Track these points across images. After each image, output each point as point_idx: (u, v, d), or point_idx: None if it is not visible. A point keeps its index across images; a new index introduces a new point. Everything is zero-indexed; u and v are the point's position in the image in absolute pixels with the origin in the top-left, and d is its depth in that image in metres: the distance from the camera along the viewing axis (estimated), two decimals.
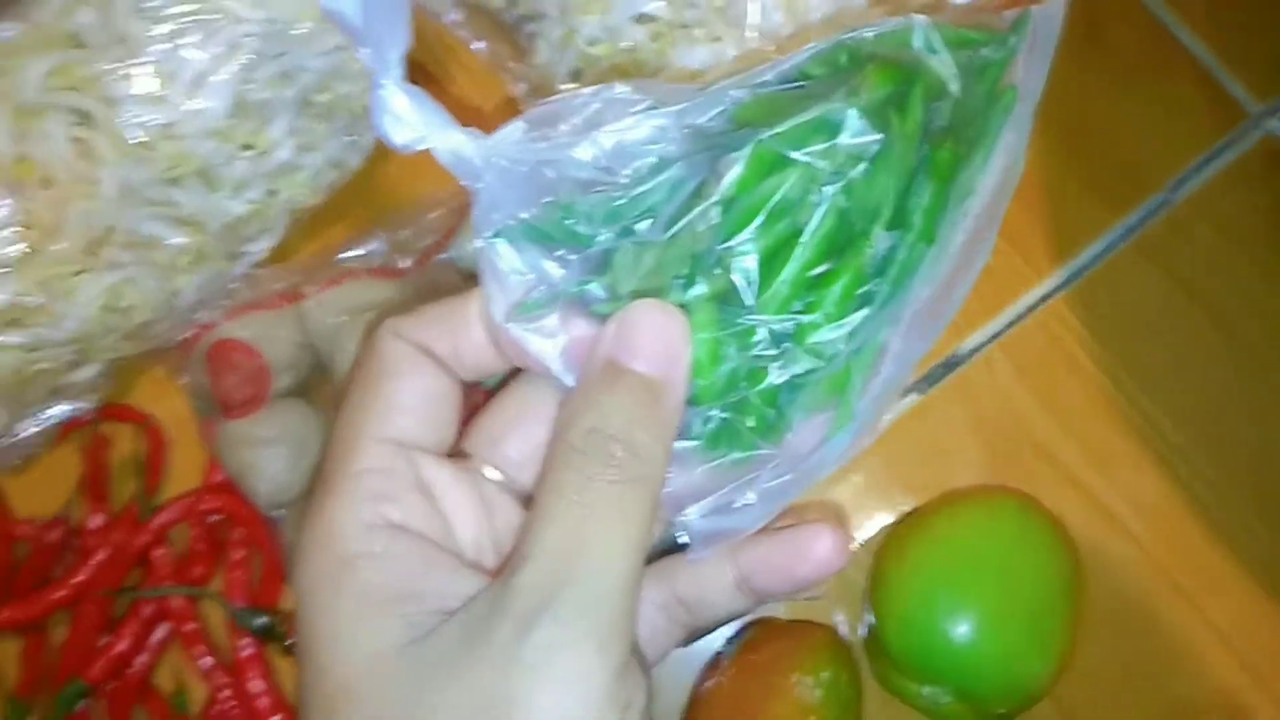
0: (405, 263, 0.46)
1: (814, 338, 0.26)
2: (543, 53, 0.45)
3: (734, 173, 0.25)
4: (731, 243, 0.25)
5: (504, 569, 0.24)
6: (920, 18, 0.27)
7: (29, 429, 0.45)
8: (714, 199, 0.25)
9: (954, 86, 0.27)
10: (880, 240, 0.26)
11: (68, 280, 0.40)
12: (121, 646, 0.43)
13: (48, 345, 0.41)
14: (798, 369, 0.26)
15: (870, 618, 0.41)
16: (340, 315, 0.44)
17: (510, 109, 0.49)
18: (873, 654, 0.41)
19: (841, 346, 0.26)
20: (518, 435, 0.28)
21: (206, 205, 0.42)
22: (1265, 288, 0.47)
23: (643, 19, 0.42)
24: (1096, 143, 0.49)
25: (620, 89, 0.26)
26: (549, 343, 0.26)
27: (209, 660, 0.43)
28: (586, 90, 0.26)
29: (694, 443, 0.26)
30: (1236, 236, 0.48)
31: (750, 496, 0.26)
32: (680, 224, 0.25)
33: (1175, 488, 0.45)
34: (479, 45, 0.48)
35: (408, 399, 0.27)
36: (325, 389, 0.45)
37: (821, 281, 0.25)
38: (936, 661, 0.38)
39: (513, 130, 0.25)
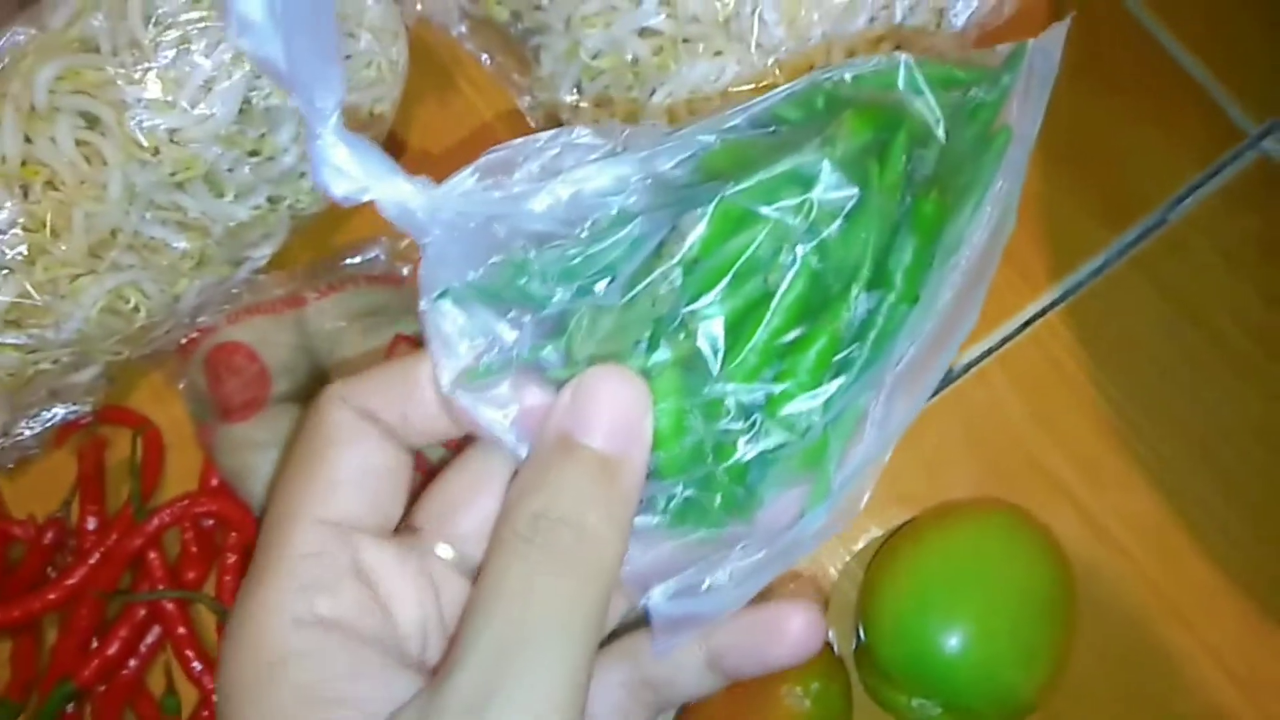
0: (405, 270, 0.46)
1: (786, 409, 0.24)
2: (547, 65, 0.46)
3: (698, 231, 0.23)
4: (695, 306, 0.23)
5: (439, 671, 0.22)
6: (904, 55, 0.25)
7: (27, 430, 0.45)
8: (676, 259, 0.23)
9: (940, 131, 0.25)
10: (859, 302, 0.24)
11: (70, 282, 0.41)
12: (113, 649, 0.43)
13: (48, 347, 0.42)
14: (768, 443, 0.24)
15: (861, 630, 0.41)
16: (340, 321, 0.44)
17: (516, 119, 0.49)
18: (863, 666, 0.41)
19: (816, 418, 0.24)
20: (470, 509, 0.26)
21: (211, 210, 0.42)
22: (1260, 306, 0.47)
23: (646, 33, 0.43)
24: (1094, 161, 0.49)
25: (581, 133, 0.24)
26: (500, 413, 0.24)
27: (199, 665, 0.43)
28: (545, 134, 0.24)
29: (658, 519, 0.25)
30: (1232, 256, 0.48)
31: (720, 577, 0.24)
32: (640, 286, 0.23)
33: (1167, 504, 0.45)
34: (485, 58, 0.48)
35: (348, 474, 0.25)
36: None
37: (794, 348, 0.24)
38: (926, 673, 0.38)
39: (463, 179, 0.23)
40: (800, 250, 0.23)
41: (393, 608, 0.25)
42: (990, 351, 0.47)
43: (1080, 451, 0.46)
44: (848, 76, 0.25)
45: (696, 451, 0.24)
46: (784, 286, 0.23)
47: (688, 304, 0.23)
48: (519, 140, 0.24)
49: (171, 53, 0.39)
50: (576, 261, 0.24)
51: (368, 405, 0.25)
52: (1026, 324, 0.48)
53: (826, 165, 0.23)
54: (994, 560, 0.40)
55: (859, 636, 0.41)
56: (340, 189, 0.23)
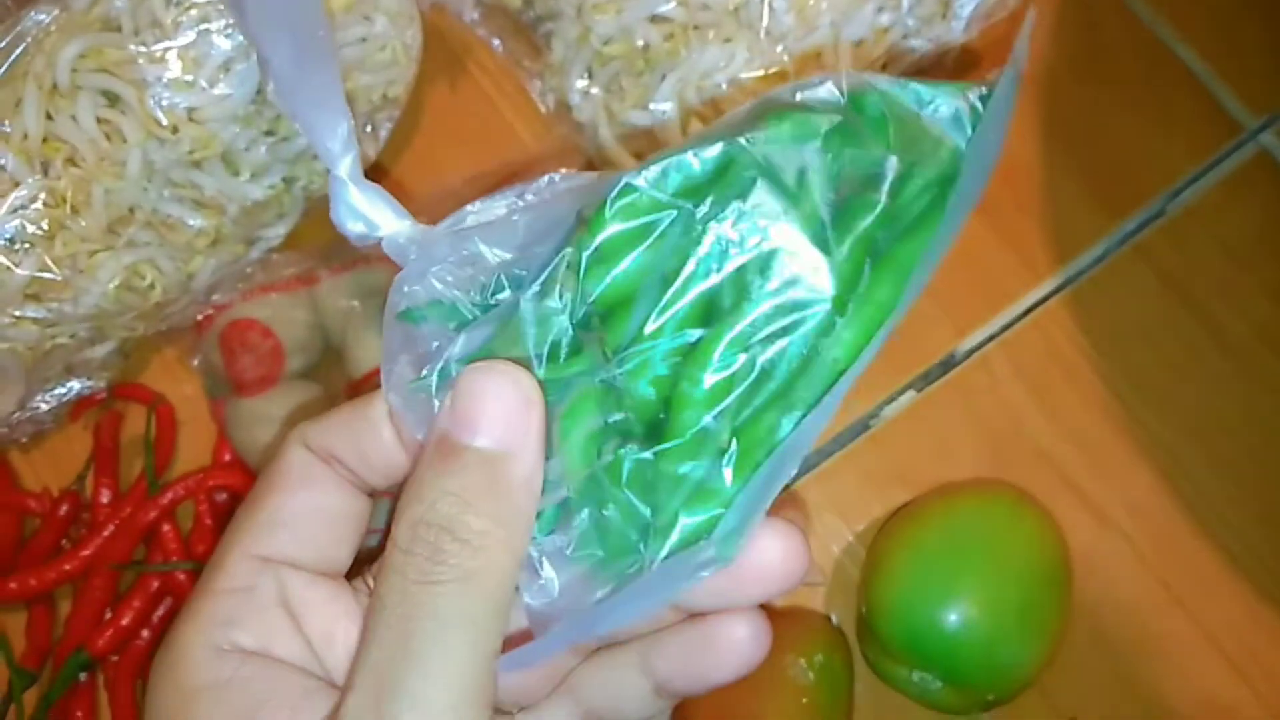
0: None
1: (689, 424, 0.22)
2: (558, 51, 0.46)
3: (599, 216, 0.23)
4: (595, 294, 0.23)
5: (338, 701, 0.22)
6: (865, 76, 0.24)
7: (43, 404, 0.46)
8: (574, 247, 0.23)
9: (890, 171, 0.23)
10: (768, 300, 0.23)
11: (88, 258, 0.41)
12: (126, 620, 0.44)
13: (65, 321, 0.42)
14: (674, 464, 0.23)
15: (863, 605, 0.42)
16: (353, 299, 0.45)
17: (527, 105, 0.50)
18: (865, 639, 0.42)
19: (715, 425, 0.23)
20: None
21: (227, 189, 0.43)
22: (1258, 296, 0.48)
23: (657, 19, 0.43)
24: (1095, 150, 0.50)
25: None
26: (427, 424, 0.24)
27: None
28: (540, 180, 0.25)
29: (567, 539, 0.24)
30: (1230, 246, 0.49)
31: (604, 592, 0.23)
32: (545, 278, 0.23)
33: (1167, 489, 0.46)
34: (496, 43, 0.49)
35: (290, 515, 0.25)
36: (336, 371, 0.46)
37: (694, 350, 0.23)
38: (927, 647, 0.39)
39: (460, 218, 0.25)
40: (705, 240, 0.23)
41: (321, 641, 0.24)
42: (992, 337, 0.48)
43: (1080, 437, 0.47)
44: (761, 139, 0.23)
45: (601, 476, 0.23)
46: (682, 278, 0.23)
47: (589, 296, 0.23)
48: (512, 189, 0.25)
49: (192, 32, 0.40)
50: (519, 271, 0.24)
51: (329, 446, 0.25)
52: (1028, 310, 0.48)
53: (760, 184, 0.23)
54: (994, 538, 0.40)
55: (861, 612, 0.42)
56: (355, 227, 0.25)
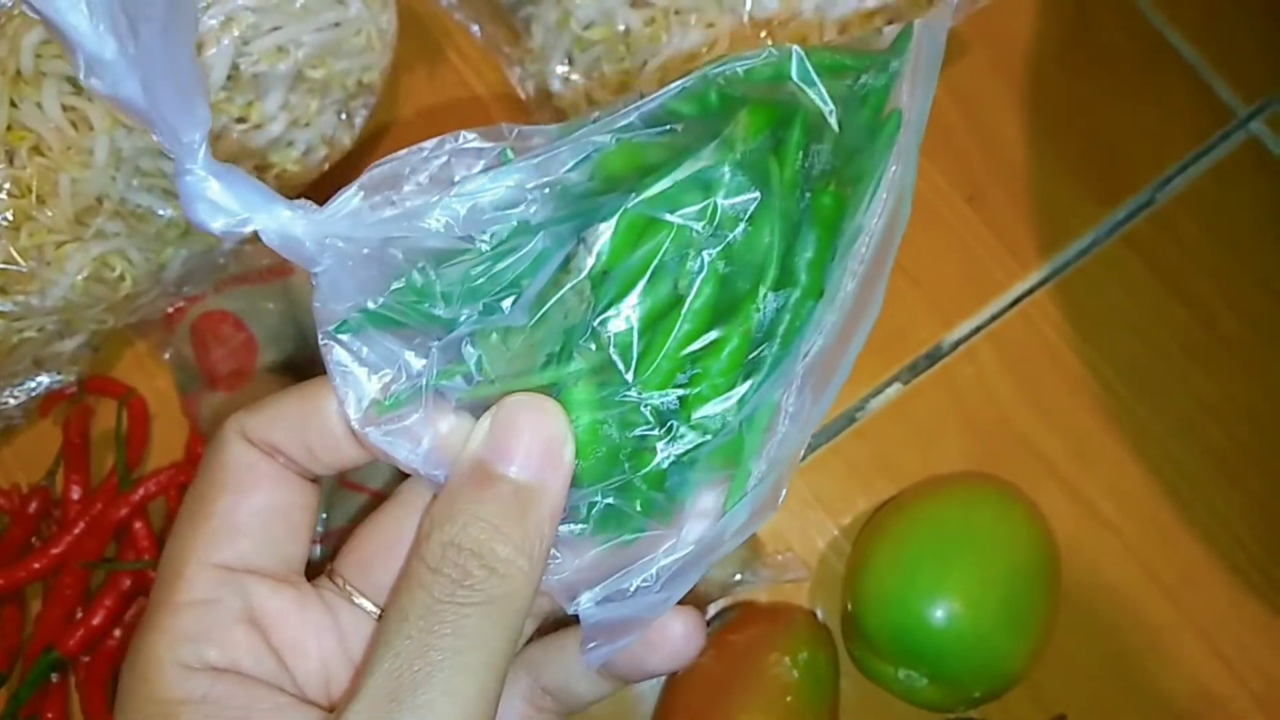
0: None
1: (700, 412, 0.24)
2: (538, 36, 0.46)
3: (603, 243, 0.23)
4: (606, 315, 0.23)
5: (340, 703, 0.22)
6: (794, 47, 0.24)
7: (11, 399, 0.45)
8: (584, 273, 0.23)
9: (833, 121, 0.24)
10: (766, 302, 0.24)
11: (56, 249, 0.40)
12: (98, 619, 0.43)
13: (33, 314, 0.41)
14: (684, 446, 0.24)
15: (848, 602, 0.41)
16: None
17: (506, 91, 0.49)
18: (850, 637, 0.42)
19: (731, 418, 0.24)
20: (389, 561, 0.26)
21: None
22: (1247, 285, 0.48)
23: (638, 4, 0.43)
24: (1085, 139, 0.49)
25: (468, 137, 0.24)
26: (413, 445, 0.24)
27: None
28: (430, 142, 0.23)
29: (580, 527, 0.24)
30: (1220, 235, 0.48)
31: (647, 579, 0.24)
32: (550, 302, 0.23)
33: (1155, 481, 0.46)
34: (475, 28, 0.48)
35: (245, 518, 0.24)
36: (311, 364, 0.45)
37: (706, 352, 0.24)
38: (913, 644, 0.38)
39: (347, 200, 0.22)
40: (707, 255, 0.23)
41: (290, 653, 0.24)
42: (979, 329, 0.48)
43: (1069, 429, 0.46)
44: (740, 69, 0.24)
45: (613, 459, 0.24)
46: (693, 293, 0.23)
47: (598, 315, 0.23)
48: (403, 152, 0.23)
49: None
50: (481, 280, 0.23)
51: (269, 438, 0.25)
52: (1016, 301, 0.48)
53: (727, 170, 0.23)
54: (980, 533, 0.40)
55: (846, 607, 0.41)
56: (218, 223, 0.22)
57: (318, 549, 0.40)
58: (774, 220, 0.24)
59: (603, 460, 0.24)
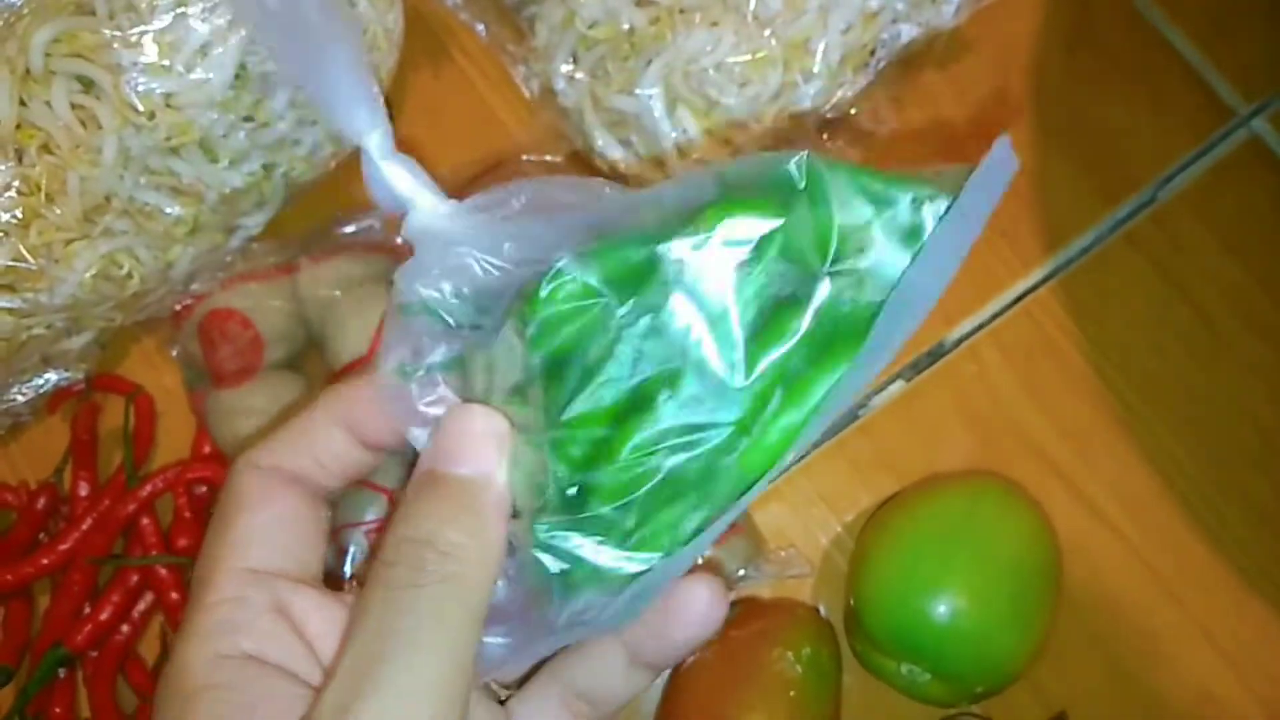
0: (400, 239, 0.46)
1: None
2: (542, 35, 0.46)
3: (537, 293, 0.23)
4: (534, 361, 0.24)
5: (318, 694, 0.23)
6: (807, 152, 0.23)
7: (20, 396, 0.45)
8: (518, 321, 0.24)
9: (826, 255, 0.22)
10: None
11: (64, 247, 0.41)
12: (105, 614, 0.43)
13: (42, 311, 0.42)
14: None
15: (851, 597, 0.41)
16: (334, 288, 0.44)
17: (510, 90, 0.49)
18: (853, 632, 0.42)
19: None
20: None
21: (205, 176, 0.42)
22: (1249, 284, 0.48)
23: (642, 2, 0.43)
24: (1087, 137, 0.49)
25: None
26: (420, 414, 0.25)
27: None
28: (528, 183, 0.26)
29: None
30: (1222, 233, 0.48)
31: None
32: (501, 329, 0.24)
33: (1157, 479, 0.46)
34: (480, 27, 0.48)
35: (261, 532, 0.26)
36: (317, 361, 0.45)
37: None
38: (915, 639, 0.38)
39: (476, 202, 0.25)
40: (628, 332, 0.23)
41: (318, 644, 0.26)
42: (981, 326, 0.48)
43: (1071, 427, 0.46)
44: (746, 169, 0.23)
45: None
46: (601, 376, 0.23)
47: (532, 366, 0.24)
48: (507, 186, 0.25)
49: (168, 16, 0.39)
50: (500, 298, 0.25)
51: (279, 464, 0.27)
52: (1018, 299, 0.48)
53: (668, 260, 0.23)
54: (982, 529, 0.40)
55: (849, 603, 0.42)
56: (386, 203, 0.26)
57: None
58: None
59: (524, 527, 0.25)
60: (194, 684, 0.24)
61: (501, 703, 0.28)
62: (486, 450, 0.25)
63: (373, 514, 0.41)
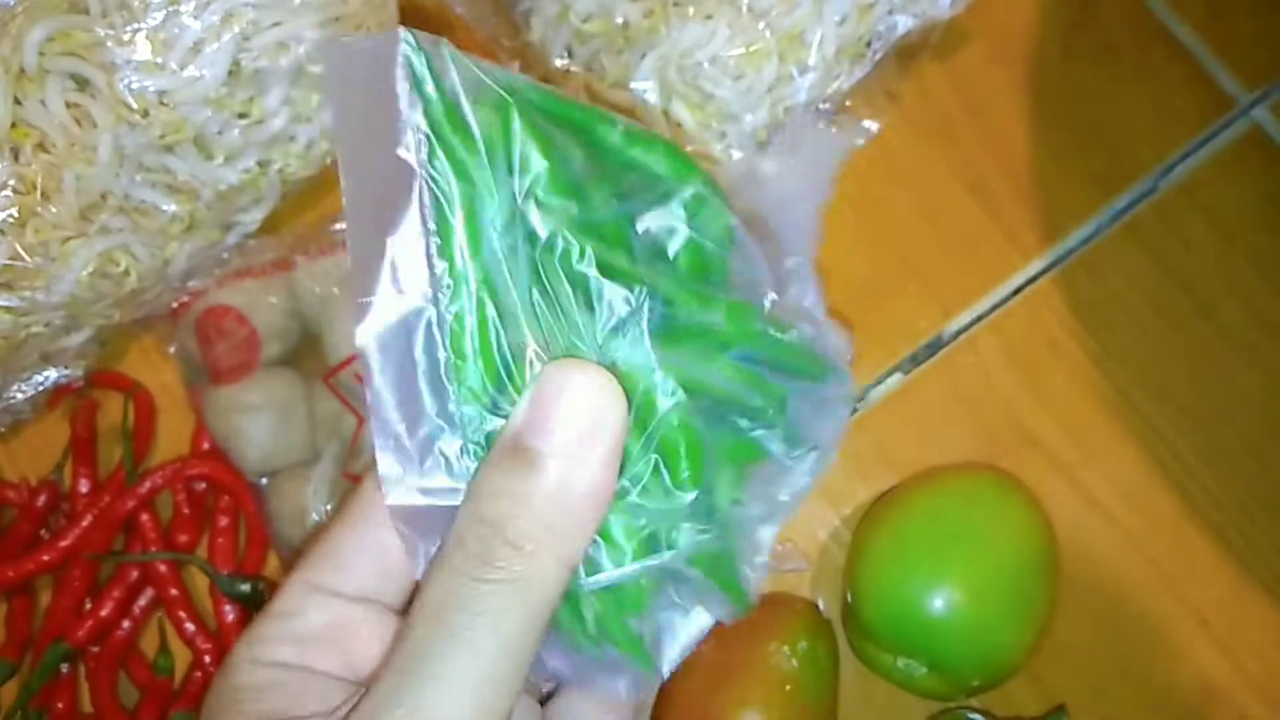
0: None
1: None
2: (537, 30, 0.46)
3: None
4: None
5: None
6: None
7: (19, 393, 0.45)
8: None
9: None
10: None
11: (61, 245, 0.41)
12: (106, 610, 0.43)
13: (39, 309, 0.42)
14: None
15: (848, 591, 0.41)
16: (330, 285, 0.44)
17: None
18: (850, 626, 0.42)
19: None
20: None
21: (200, 173, 0.42)
22: (1249, 274, 0.47)
23: None
24: (1086, 128, 0.49)
25: None
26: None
27: (192, 626, 0.44)
28: None
29: None
30: (1222, 223, 0.48)
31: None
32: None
33: (1156, 471, 0.46)
34: (475, 22, 0.48)
35: (342, 548, 0.25)
36: (314, 357, 0.45)
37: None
38: (912, 633, 0.38)
39: None
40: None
41: (361, 662, 0.25)
42: (980, 318, 0.47)
43: (1070, 418, 0.46)
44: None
45: None
46: None
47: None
48: None
49: (161, 14, 0.39)
50: None
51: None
52: (1017, 291, 0.48)
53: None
54: (980, 523, 0.40)
55: (846, 597, 0.41)
56: None
57: None
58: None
59: None
60: (236, 680, 0.24)
61: (542, 702, 0.26)
62: (596, 426, 0.21)
63: None
